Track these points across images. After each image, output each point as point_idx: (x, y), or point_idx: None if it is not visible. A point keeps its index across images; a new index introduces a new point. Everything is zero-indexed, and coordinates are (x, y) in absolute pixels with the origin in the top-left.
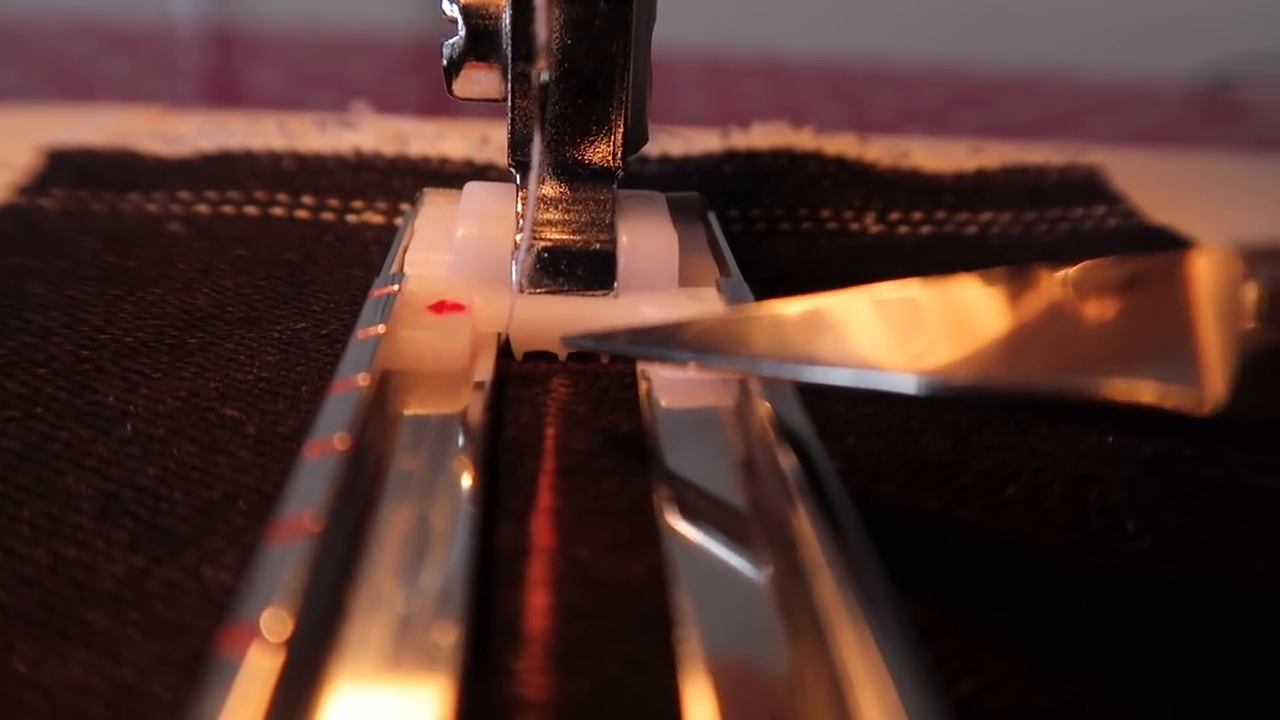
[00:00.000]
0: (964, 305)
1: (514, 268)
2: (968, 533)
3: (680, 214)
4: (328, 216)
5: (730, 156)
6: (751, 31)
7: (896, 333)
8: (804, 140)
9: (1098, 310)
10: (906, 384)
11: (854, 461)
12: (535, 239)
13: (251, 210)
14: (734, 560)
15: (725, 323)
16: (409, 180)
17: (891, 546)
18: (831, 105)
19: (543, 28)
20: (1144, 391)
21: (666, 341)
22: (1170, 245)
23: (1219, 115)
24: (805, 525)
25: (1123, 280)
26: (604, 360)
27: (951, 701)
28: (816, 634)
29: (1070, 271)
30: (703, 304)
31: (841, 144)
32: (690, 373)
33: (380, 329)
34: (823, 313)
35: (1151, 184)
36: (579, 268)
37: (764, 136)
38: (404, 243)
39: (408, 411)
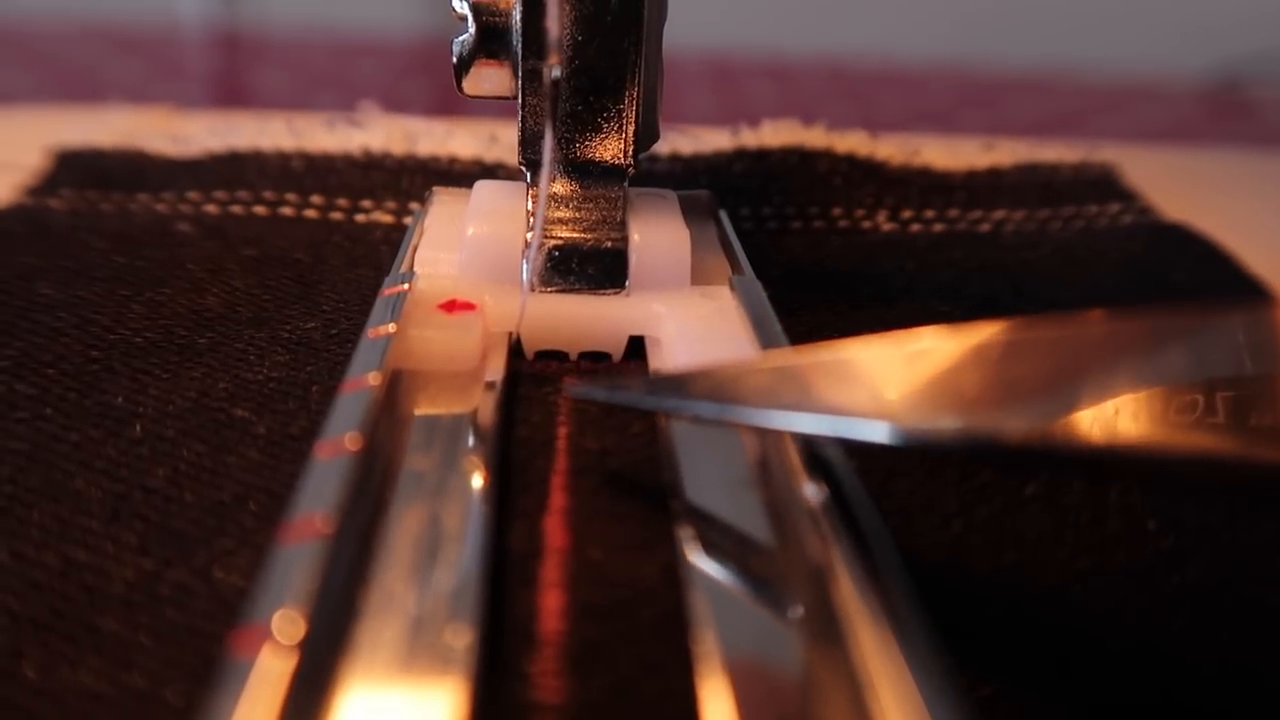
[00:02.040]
0: (1000, 354)
1: (525, 266)
2: (986, 531)
3: (691, 212)
4: (337, 216)
5: (741, 154)
6: (758, 32)
7: (925, 386)
8: (814, 138)
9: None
10: (941, 438)
11: (870, 459)
12: (546, 237)
13: (260, 210)
14: (749, 559)
15: (748, 373)
16: (418, 179)
17: (909, 546)
18: (839, 105)
19: (554, 24)
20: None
21: (681, 391)
22: (1186, 242)
23: (1228, 114)
24: (822, 523)
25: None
26: (615, 359)
27: (973, 704)
28: (835, 635)
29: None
30: (715, 302)
31: (852, 142)
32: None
33: (391, 328)
34: (848, 364)
35: (1164, 181)
36: (590, 266)
37: (774, 134)
38: (414, 242)
39: (419, 411)
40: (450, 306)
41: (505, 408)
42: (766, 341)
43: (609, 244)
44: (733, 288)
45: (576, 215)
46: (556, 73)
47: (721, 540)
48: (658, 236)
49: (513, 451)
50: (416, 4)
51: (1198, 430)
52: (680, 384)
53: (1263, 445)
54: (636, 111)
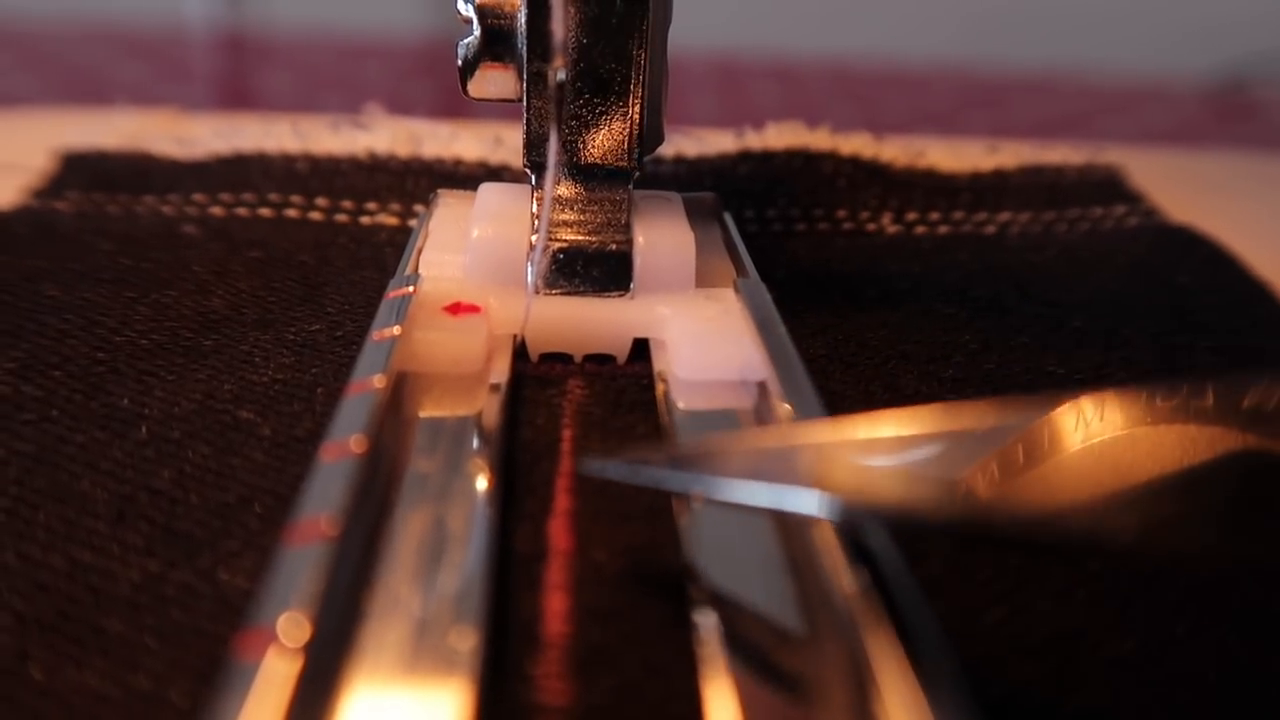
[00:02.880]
0: (971, 435)
1: (529, 269)
2: (989, 535)
3: (696, 214)
4: (342, 218)
5: (745, 157)
6: (763, 34)
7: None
8: (819, 140)
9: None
10: (879, 512)
11: None
12: (551, 240)
13: (266, 212)
14: (753, 561)
15: (785, 450)
16: (423, 181)
17: (913, 549)
18: (843, 107)
19: (559, 26)
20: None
21: (709, 467)
22: (1192, 244)
23: (1233, 115)
24: (825, 525)
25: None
26: (620, 361)
27: (980, 707)
28: (840, 637)
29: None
30: (720, 304)
31: (857, 144)
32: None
33: (395, 330)
34: (841, 445)
35: (1169, 183)
36: (595, 268)
37: (779, 136)
38: (419, 244)
39: (423, 413)
40: (455, 309)
41: (510, 410)
42: (771, 344)
43: (614, 246)
44: (737, 290)
45: (581, 218)
46: (561, 75)
47: (726, 540)
48: (662, 239)
49: (517, 454)
50: (421, 6)
51: (1183, 416)
52: (707, 460)
53: (1256, 432)
54: (641, 114)
